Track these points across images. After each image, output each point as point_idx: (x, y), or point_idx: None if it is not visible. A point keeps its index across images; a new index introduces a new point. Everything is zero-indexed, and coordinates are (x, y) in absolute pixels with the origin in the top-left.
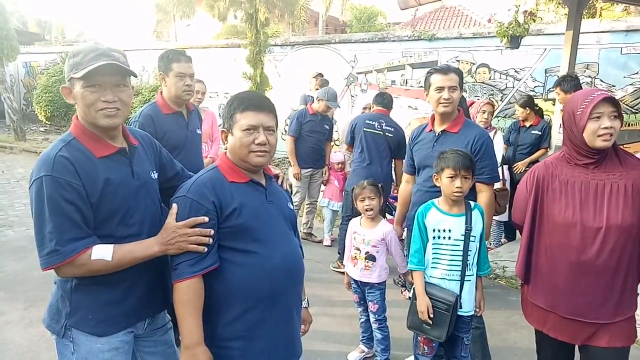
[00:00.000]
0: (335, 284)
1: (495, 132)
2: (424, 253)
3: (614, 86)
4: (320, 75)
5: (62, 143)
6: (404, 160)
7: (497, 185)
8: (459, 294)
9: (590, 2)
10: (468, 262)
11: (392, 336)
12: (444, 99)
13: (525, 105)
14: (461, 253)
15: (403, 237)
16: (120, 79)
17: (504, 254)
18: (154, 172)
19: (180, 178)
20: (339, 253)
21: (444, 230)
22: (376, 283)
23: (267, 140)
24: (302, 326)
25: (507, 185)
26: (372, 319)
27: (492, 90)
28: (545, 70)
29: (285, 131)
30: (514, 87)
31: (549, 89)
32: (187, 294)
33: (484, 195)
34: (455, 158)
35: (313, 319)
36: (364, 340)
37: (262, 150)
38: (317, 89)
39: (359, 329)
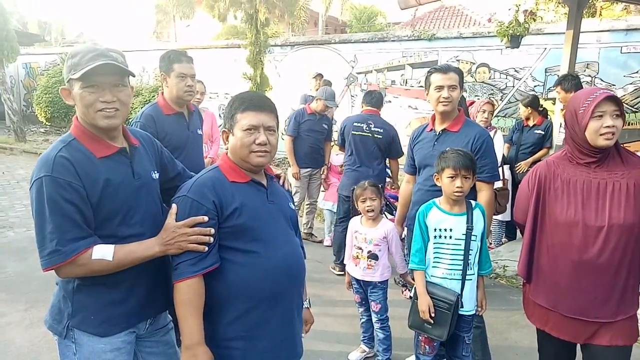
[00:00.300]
0: (336, 284)
1: (495, 132)
2: (425, 252)
3: (614, 85)
4: (320, 75)
5: (62, 144)
6: (398, 159)
7: (498, 184)
8: (460, 293)
9: (590, 1)
10: (469, 261)
11: (393, 336)
12: (444, 97)
13: (529, 104)
14: (462, 252)
15: (403, 237)
16: (118, 79)
17: (504, 254)
18: (155, 172)
19: (181, 178)
20: (334, 255)
21: (445, 230)
22: (379, 282)
23: (268, 140)
24: (304, 326)
25: (509, 185)
26: (374, 319)
27: (492, 89)
28: (545, 69)
29: (285, 131)
30: (514, 86)
31: (549, 89)
32: (188, 294)
33: (484, 194)
34: (456, 158)
35: (310, 311)
36: (365, 340)
37: (262, 151)
38: (318, 90)
39: (359, 329)
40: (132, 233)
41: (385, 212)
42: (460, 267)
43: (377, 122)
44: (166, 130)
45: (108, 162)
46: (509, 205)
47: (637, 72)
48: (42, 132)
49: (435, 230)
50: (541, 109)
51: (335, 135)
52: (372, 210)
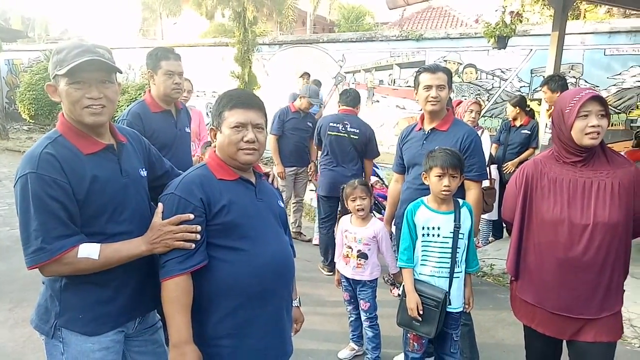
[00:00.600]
0: (325, 283)
1: (482, 132)
2: (414, 251)
3: (598, 87)
4: (307, 74)
5: (47, 140)
6: (373, 160)
7: (485, 183)
8: (448, 290)
9: (574, 3)
10: (457, 259)
11: (382, 334)
12: (432, 97)
13: (517, 104)
14: (450, 250)
15: (393, 235)
16: (105, 75)
17: (491, 252)
18: (143, 169)
19: (169, 176)
20: (321, 256)
21: (433, 228)
22: (368, 281)
23: (256, 138)
24: (294, 325)
25: (497, 185)
26: (363, 317)
27: (479, 90)
28: (531, 70)
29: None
30: (500, 87)
31: (534, 89)
32: (175, 292)
33: (472, 192)
34: (443, 157)
35: (300, 310)
36: (354, 339)
37: (250, 148)
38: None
39: (348, 328)
40: (121, 231)
41: (374, 212)
42: (448, 265)
43: (353, 122)
44: (153, 128)
45: (95, 158)
46: (496, 205)
47: (620, 74)
48: (25, 129)
49: (423, 228)
50: (528, 109)
51: None
52: (362, 210)
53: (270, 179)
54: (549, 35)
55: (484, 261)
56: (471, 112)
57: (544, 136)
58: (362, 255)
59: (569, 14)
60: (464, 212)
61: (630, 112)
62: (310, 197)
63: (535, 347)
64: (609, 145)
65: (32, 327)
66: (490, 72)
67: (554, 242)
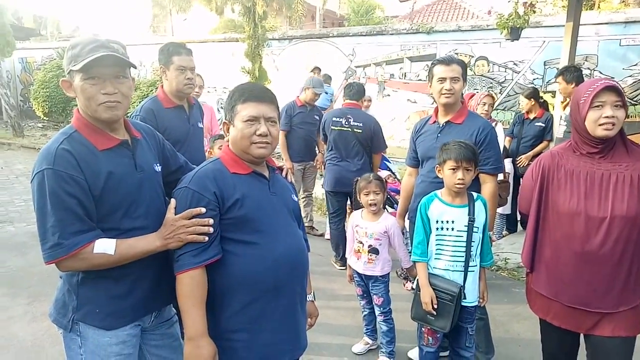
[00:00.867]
0: (338, 277)
1: (496, 124)
2: (427, 244)
3: (613, 78)
4: (318, 69)
5: (63, 136)
6: (382, 153)
7: (499, 177)
8: (462, 284)
9: None
10: (471, 253)
11: (396, 328)
12: (446, 89)
13: (531, 96)
14: (464, 244)
15: (406, 229)
16: (119, 70)
17: (505, 246)
18: (157, 164)
19: (183, 171)
20: (333, 251)
21: (447, 222)
22: (380, 276)
23: (269, 132)
24: (309, 320)
25: (510, 178)
26: (377, 312)
27: (491, 82)
28: (544, 62)
29: None
30: (512, 79)
31: (547, 81)
32: (190, 285)
33: (488, 185)
34: (457, 150)
35: (315, 304)
36: (367, 333)
37: (263, 142)
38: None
39: (362, 322)
40: (136, 226)
41: (387, 206)
42: (463, 259)
43: (356, 116)
44: (166, 123)
45: (110, 154)
46: (510, 198)
47: (636, 65)
48: (39, 127)
49: (437, 222)
50: (542, 101)
51: None
52: (375, 205)
53: (284, 173)
54: (562, 26)
55: (498, 255)
56: (484, 104)
57: (559, 129)
58: (373, 251)
59: (582, 4)
60: (479, 205)
61: None
62: (322, 191)
63: (551, 340)
64: None
65: (50, 320)
66: (502, 64)
67: (570, 234)
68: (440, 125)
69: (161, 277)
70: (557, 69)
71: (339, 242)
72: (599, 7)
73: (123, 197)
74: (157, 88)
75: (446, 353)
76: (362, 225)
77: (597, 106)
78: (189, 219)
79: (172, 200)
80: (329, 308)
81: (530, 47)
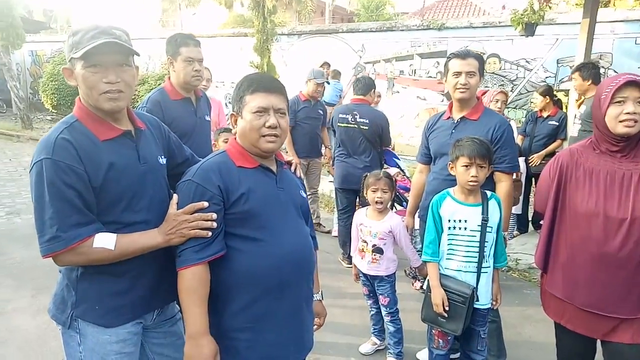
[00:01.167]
0: (345, 275)
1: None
2: (439, 244)
3: None
4: (327, 64)
5: (64, 125)
6: (390, 148)
7: None
8: (475, 286)
9: None
10: (484, 253)
11: (404, 328)
12: (461, 84)
13: (545, 93)
14: (477, 244)
15: (417, 228)
16: (122, 58)
17: (516, 247)
18: (162, 157)
19: (189, 164)
20: (340, 248)
21: (460, 221)
22: (385, 276)
23: (278, 123)
24: (317, 319)
25: (522, 178)
26: (383, 312)
27: (503, 80)
28: (557, 60)
29: None
30: (524, 77)
31: (560, 80)
32: (192, 282)
33: (503, 185)
34: (471, 146)
35: (323, 304)
36: (375, 333)
37: (273, 134)
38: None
39: (369, 321)
40: (138, 220)
41: (395, 204)
42: (476, 260)
43: (363, 112)
44: (173, 116)
45: (112, 145)
46: (521, 198)
47: None
48: (48, 119)
49: (449, 221)
50: (556, 98)
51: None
52: (381, 203)
53: (292, 168)
54: (576, 23)
55: (509, 256)
56: (497, 102)
57: (573, 127)
58: (377, 250)
59: (599, 1)
60: (492, 204)
61: None
62: (330, 188)
63: (566, 344)
64: None
65: (49, 316)
66: (514, 62)
67: (587, 236)
68: (455, 121)
69: (163, 274)
70: (570, 67)
71: (347, 239)
72: (614, 4)
73: (125, 190)
74: (165, 80)
75: (457, 355)
76: (366, 224)
77: (619, 102)
78: (192, 214)
79: (175, 195)
80: (336, 306)
81: (543, 45)
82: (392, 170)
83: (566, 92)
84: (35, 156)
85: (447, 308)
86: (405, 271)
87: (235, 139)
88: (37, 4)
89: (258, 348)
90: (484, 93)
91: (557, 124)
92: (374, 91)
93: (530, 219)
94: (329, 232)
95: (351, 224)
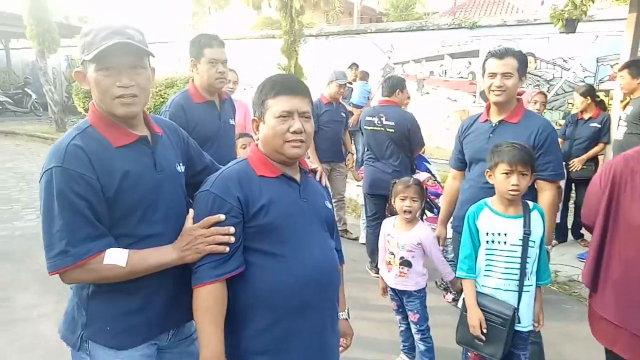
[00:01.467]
0: (373, 285)
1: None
2: (476, 259)
3: None
4: (356, 65)
5: (76, 131)
6: (420, 152)
7: None
8: (516, 306)
9: None
10: (526, 270)
11: (436, 346)
12: (496, 86)
13: (587, 94)
14: (519, 260)
15: (449, 236)
16: (136, 60)
17: (555, 257)
18: (180, 164)
19: (209, 172)
20: (368, 256)
21: (499, 234)
22: (414, 291)
23: (303, 128)
24: (342, 340)
25: (562, 183)
26: (413, 330)
27: (538, 80)
28: (597, 59)
29: None
30: (561, 77)
31: (600, 79)
32: (208, 301)
33: (547, 194)
34: (511, 152)
35: (349, 323)
36: (405, 350)
37: (298, 140)
38: (355, 80)
39: (398, 336)
40: (152, 232)
41: (426, 210)
42: (517, 277)
43: (389, 114)
44: (196, 119)
45: (127, 151)
46: (560, 205)
47: None
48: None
49: (487, 234)
50: (598, 99)
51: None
52: (410, 212)
53: (317, 176)
54: (618, 20)
55: None
56: (535, 103)
57: (618, 130)
58: (405, 263)
59: None
60: (535, 216)
61: None
62: (357, 192)
63: None
64: None
65: (59, 336)
66: (550, 61)
67: None
68: (493, 125)
69: (180, 291)
70: (612, 66)
71: (375, 247)
72: None
73: (139, 200)
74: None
75: None
76: (393, 235)
77: None
78: (208, 228)
79: (191, 210)
80: (362, 319)
81: (582, 43)
82: (423, 175)
83: (606, 92)
84: (46, 164)
85: (485, 330)
86: (436, 282)
87: (257, 145)
88: (75, 10)
89: None
90: (521, 94)
91: (599, 126)
92: (401, 92)
93: (569, 227)
94: (356, 239)
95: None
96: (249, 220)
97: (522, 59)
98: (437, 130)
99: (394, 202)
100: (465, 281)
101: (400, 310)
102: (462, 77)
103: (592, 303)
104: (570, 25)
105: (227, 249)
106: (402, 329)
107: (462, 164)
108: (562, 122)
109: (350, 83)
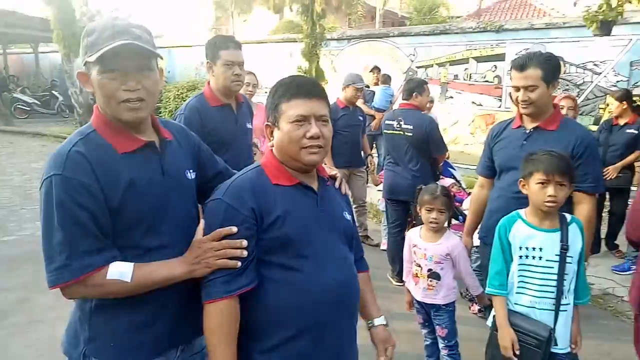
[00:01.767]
0: (394, 294)
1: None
2: (507, 275)
3: None
4: (377, 68)
5: (79, 136)
6: (443, 157)
7: None
8: (553, 327)
9: None
10: (563, 288)
11: None
12: (521, 100)
13: (623, 98)
14: (555, 277)
15: (475, 246)
16: (143, 62)
17: (588, 269)
18: (191, 171)
19: (223, 178)
20: (390, 264)
21: (534, 249)
22: (443, 305)
23: (321, 133)
24: (386, 349)
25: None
26: (440, 345)
27: (568, 85)
28: (631, 62)
29: None
30: (592, 81)
31: (634, 84)
32: (219, 319)
33: (584, 207)
34: (548, 160)
35: (369, 333)
36: None
37: (315, 145)
38: (376, 84)
39: (422, 349)
40: (160, 244)
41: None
42: (553, 295)
43: (408, 117)
44: (212, 123)
45: (133, 158)
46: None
47: None
48: None
49: (520, 248)
50: (634, 104)
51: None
52: (436, 223)
53: (336, 183)
54: None
55: None
56: (562, 108)
57: None
58: (434, 275)
59: None
60: (573, 229)
61: None
62: (378, 197)
63: None
64: None
65: (62, 351)
66: (580, 65)
67: None
68: (527, 131)
69: (189, 305)
70: None
71: (396, 255)
72: None
73: (146, 210)
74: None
75: None
76: (420, 246)
77: None
78: (219, 240)
79: (202, 221)
80: None
81: (614, 46)
82: (447, 181)
83: None
84: (45, 172)
85: (517, 352)
86: (461, 293)
87: (271, 152)
88: (103, 14)
89: None
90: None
91: (636, 132)
92: (419, 94)
93: (603, 237)
94: (377, 245)
95: (402, 240)
96: (263, 232)
97: (547, 66)
98: (461, 134)
99: (420, 211)
100: (495, 298)
101: (427, 324)
102: (487, 81)
103: (639, 326)
104: (605, 28)
105: (239, 263)
106: (427, 343)
107: (491, 171)
108: (592, 127)
109: (368, 86)
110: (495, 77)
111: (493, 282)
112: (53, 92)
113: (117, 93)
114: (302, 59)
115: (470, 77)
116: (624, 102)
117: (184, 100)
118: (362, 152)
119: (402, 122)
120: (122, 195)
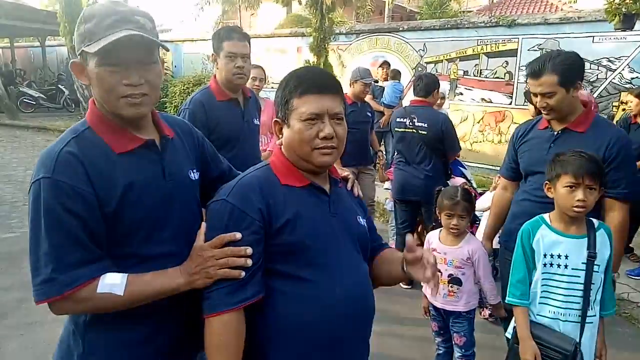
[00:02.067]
0: (403, 297)
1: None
2: (530, 284)
3: None
4: (387, 63)
5: (72, 134)
6: (455, 157)
7: None
8: (578, 340)
9: None
10: (590, 298)
11: None
12: (541, 107)
13: None
14: (581, 287)
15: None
16: (146, 55)
17: None
18: (194, 171)
19: (226, 179)
20: None
21: (559, 256)
22: (464, 312)
23: (335, 132)
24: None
25: None
26: (457, 354)
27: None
28: None
29: None
30: (606, 78)
31: None
32: (222, 334)
33: (616, 215)
34: (578, 162)
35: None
36: None
37: (329, 146)
38: (386, 79)
39: (431, 355)
40: (161, 252)
41: None
42: (579, 307)
43: (421, 115)
44: (218, 118)
45: (131, 159)
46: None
47: None
48: None
49: (545, 256)
50: None
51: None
52: (457, 229)
53: (349, 185)
54: None
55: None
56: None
57: None
58: (455, 281)
59: None
60: (601, 236)
61: None
62: (386, 196)
63: None
64: None
65: None
66: (595, 61)
67: None
68: (555, 133)
69: (190, 319)
70: None
71: None
72: None
73: (146, 215)
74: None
75: None
76: (440, 250)
77: None
78: (221, 247)
79: (203, 224)
80: (391, 335)
81: (630, 42)
82: (458, 180)
83: None
84: (34, 174)
85: None
86: None
87: (280, 149)
88: None
89: None
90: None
91: None
92: (437, 91)
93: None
94: None
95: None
96: (271, 238)
97: (564, 69)
98: (470, 132)
99: (439, 216)
100: (516, 308)
101: (442, 332)
102: (498, 77)
103: None
104: (628, 21)
105: (243, 273)
106: (439, 352)
107: (515, 173)
108: None
109: (377, 82)
110: (507, 73)
111: (514, 291)
112: (59, 86)
113: (118, 87)
114: (311, 53)
115: (480, 73)
116: None
117: (190, 95)
118: (370, 149)
119: (415, 120)
120: (118, 200)
